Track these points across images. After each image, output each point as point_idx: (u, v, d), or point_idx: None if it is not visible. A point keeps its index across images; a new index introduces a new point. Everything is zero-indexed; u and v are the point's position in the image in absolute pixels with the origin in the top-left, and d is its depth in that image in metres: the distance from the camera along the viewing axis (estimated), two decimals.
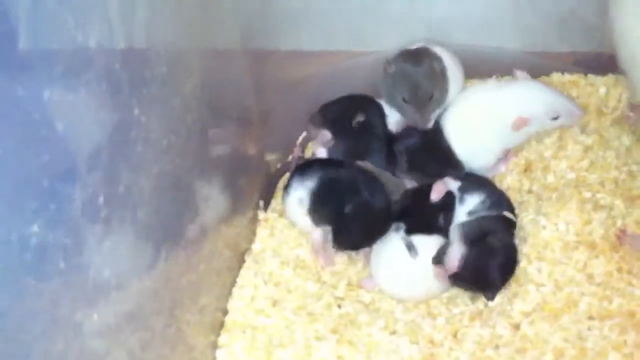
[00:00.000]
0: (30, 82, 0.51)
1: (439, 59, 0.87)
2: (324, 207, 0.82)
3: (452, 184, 0.81)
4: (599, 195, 0.82)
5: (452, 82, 0.87)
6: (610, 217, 0.80)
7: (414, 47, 0.90)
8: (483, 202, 0.81)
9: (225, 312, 0.80)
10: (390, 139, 0.88)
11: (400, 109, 0.87)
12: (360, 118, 0.87)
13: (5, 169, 0.48)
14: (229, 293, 0.81)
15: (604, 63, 0.96)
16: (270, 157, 0.96)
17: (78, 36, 0.56)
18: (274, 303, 0.78)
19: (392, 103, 0.89)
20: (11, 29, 0.49)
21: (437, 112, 0.87)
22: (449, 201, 0.81)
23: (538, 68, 0.95)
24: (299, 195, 0.82)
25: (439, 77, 0.85)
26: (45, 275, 0.53)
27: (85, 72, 0.57)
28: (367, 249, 0.84)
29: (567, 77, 0.94)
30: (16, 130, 0.50)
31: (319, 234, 0.81)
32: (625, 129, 0.88)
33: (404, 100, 0.86)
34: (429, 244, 0.78)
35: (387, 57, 0.90)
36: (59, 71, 0.54)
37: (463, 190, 0.82)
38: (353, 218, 0.81)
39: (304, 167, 0.85)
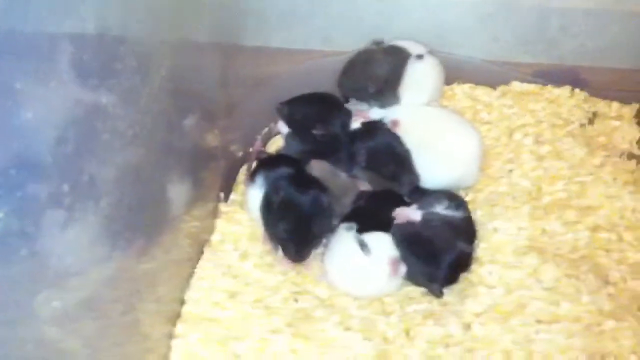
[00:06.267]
0: (1, 71, 0.51)
1: (403, 62, 0.88)
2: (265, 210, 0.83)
3: (414, 214, 0.80)
4: (550, 203, 0.85)
5: (415, 89, 0.89)
6: (561, 224, 0.82)
7: (405, 43, 0.91)
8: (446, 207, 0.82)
9: (182, 303, 0.79)
10: (352, 137, 0.88)
11: None
12: (319, 130, 0.87)
13: None
14: (187, 284, 0.81)
15: (561, 75, 1.00)
16: (233, 149, 0.96)
17: (50, 25, 0.56)
18: (232, 295, 0.78)
19: None
20: None
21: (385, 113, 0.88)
22: (401, 203, 0.82)
23: (498, 76, 0.98)
24: (261, 192, 0.83)
25: (392, 82, 0.88)
26: (7, 261, 0.53)
27: (55, 62, 0.57)
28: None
29: (526, 86, 0.96)
30: None
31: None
32: (579, 140, 0.90)
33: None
34: (381, 241, 0.78)
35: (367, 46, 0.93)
36: (29, 59, 0.54)
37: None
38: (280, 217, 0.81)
39: (270, 165, 0.86)
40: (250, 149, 0.95)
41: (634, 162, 0.90)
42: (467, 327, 0.75)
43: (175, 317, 0.79)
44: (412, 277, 0.79)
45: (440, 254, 0.78)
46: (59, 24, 0.57)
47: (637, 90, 0.98)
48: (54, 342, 0.61)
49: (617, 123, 0.93)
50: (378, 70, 0.89)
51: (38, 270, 0.58)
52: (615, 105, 0.95)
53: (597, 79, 0.98)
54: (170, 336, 0.76)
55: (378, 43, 0.91)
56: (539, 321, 0.75)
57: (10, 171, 0.51)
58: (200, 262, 0.83)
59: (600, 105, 0.95)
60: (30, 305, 0.57)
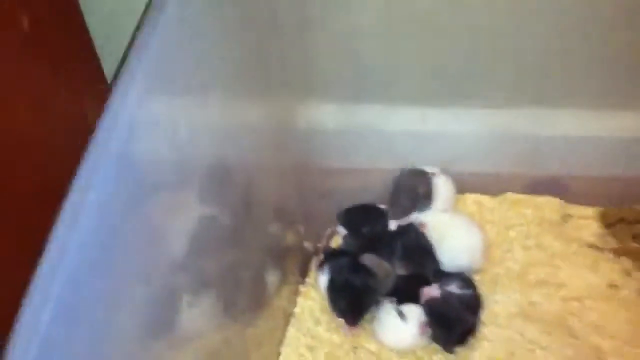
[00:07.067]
0: (143, 192, 0.63)
1: (428, 185, 1.15)
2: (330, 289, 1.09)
3: (435, 292, 1.05)
4: (534, 282, 1.12)
5: (437, 201, 1.16)
6: (542, 297, 1.10)
7: (423, 168, 1.18)
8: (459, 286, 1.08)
9: (278, 354, 1.07)
10: (391, 236, 1.13)
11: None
12: (367, 231, 1.14)
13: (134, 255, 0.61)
14: (281, 342, 1.08)
15: (546, 183, 1.21)
16: (307, 245, 1.20)
17: (184, 156, 0.71)
18: (311, 349, 1.07)
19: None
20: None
21: (412, 216, 1.14)
22: (427, 283, 1.08)
23: (498, 188, 1.23)
24: (327, 277, 1.10)
25: (420, 198, 1.14)
26: (153, 333, 0.67)
27: (184, 183, 0.73)
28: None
29: (518, 196, 1.22)
30: (144, 227, 0.63)
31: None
32: (556, 235, 1.16)
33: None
34: (412, 310, 1.05)
35: (402, 170, 1.18)
36: (168, 180, 0.68)
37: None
38: (340, 294, 1.07)
39: (333, 257, 1.13)
40: (319, 245, 1.20)
41: (595, 251, 1.15)
42: None
43: None
44: (433, 338, 1.06)
45: (452, 325, 1.04)
46: (189, 156, 0.73)
47: (604, 193, 1.20)
48: None
49: (584, 222, 1.18)
50: (419, 191, 1.15)
51: (175, 336, 0.73)
52: (582, 208, 1.20)
53: (574, 184, 1.20)
54: None
55: (407, 169, 1.17)
56: None
57: (156, 269, 0.66)
58: (289, 328, 1.10)
59: (572, 209, 1.20)
60: None
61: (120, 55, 0.97)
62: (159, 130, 0.67)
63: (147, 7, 0.70)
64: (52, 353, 0.49)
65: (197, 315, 0.77)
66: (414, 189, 1.16)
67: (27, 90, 0.96)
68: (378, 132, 1.21)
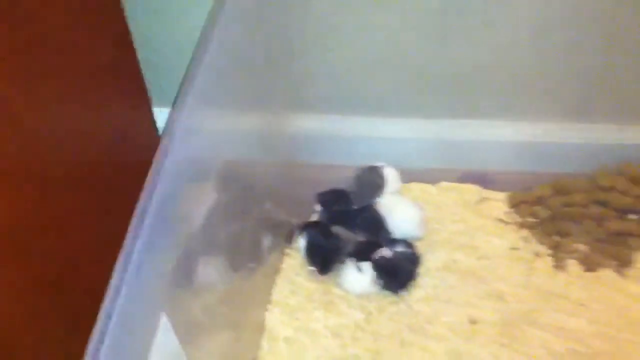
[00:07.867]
0: (177, 184, 0.73)
1: (381, 176, 1.43)
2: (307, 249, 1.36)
3: (386, 253, 1.33)
4: (457, 245, 1.44)
5: (388, 188, 1.43)
6: (462, 255, 1.44)
7: (377, 164, 1.44)
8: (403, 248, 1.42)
9: (270, 295, 1.29)
10: (354, 212, 1.39)
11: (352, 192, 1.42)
12: (336, 208, 1.41)
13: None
14: (272, 288, 1.30)
15: (475, 177, 1.48)
16: (292, 219, 1.40)
17: (208, 155, 0.86)
18: (294, 293, 1.31)
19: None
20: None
21: (372, 200, 1.41)
22: (380, 247, 1.34)
23: (434, 179, 1.49)
24: (306, 240, 1.36)
25: (375, 186, 1.43)
26: (180, 285, 0.81)
27: (205, 174, 0.86)
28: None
29: (449, 184, 1.50)
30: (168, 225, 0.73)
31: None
32: (474, 212, 1.48)
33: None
34: (367, 266, 1.30)
35: (362, 166, 1.44)
36: (194, 173, 0.82)
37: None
38: (313, 252, 1.37)
39: (311, 226, 1.39)
40: (301, 220, 1.38)
41: (503, 224, 1.42)
42: (411, 306, 1.30)
43: (267, 303, 1.28)
44: (383, 286, 1.34)
45: (398, 274, 1.32)
46: (211, 155, 0.89)
47: (513, 183, 1.47)
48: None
49: (495, 203, 1.45)
50: (377, 184, 1.44)
51: (195, 286, 0.86)
52: (495, 193, 1.46)
53: (493, 176, 1.48)
54: (265, 309, 1.34)
55: (364, 167, 1.44)
56: (447, 301, 1.32)
57: (182, 238, 0.79)
58: (277, 278, 1.33)
59: (488, 193, 1.47)
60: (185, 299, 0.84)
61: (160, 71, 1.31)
62: (197, 136, 0.83)
63: (197, 45, 0.89)
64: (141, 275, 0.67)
65: (210, 270, 0.93)
66: (373, 183, 1.43)
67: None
68: (344, 137, 1.47)
